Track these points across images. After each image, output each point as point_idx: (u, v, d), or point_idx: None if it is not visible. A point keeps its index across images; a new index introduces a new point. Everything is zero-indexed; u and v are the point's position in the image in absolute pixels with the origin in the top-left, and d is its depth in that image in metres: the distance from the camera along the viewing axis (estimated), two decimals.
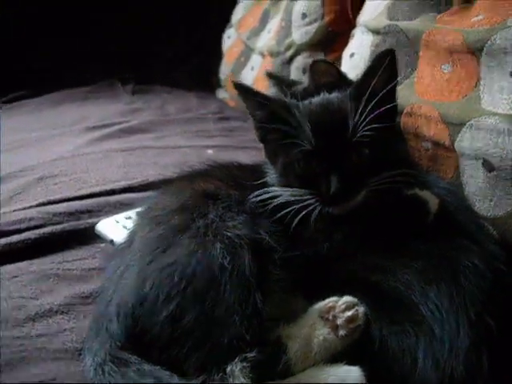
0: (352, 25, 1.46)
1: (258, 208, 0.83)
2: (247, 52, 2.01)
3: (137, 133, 1.66)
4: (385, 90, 0.81)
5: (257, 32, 1.99)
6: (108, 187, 1.24)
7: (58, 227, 1.06)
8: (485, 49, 0.92)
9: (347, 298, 0.76)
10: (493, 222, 0.86)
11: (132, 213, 1.10)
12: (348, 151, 0.80)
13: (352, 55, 1.29)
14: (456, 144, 0.93)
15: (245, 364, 0.68)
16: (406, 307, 0.74)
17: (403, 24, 1.11)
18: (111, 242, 1.04)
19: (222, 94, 2.31)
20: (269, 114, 0.85)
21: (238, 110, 2.10)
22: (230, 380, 0.68)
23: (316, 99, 0.89)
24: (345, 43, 1.47)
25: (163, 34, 2.32)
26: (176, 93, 2.27)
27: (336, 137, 0.81)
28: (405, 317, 0.73)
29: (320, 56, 1.55)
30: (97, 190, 1.22)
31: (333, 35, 1.53)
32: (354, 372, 0.70)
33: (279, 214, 0.81)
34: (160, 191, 0.94)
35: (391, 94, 0.85)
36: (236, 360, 0.69)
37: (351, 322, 0.74)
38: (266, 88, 1.38)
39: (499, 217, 0.85)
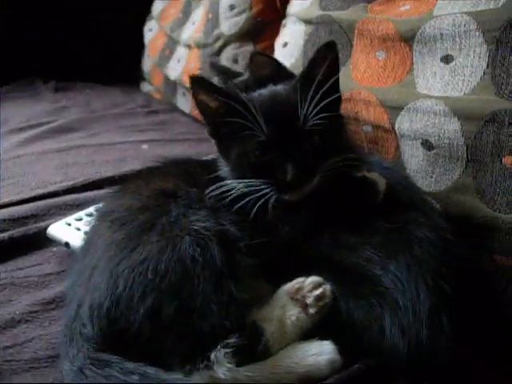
0: (280, 15, 1.50)
1: (216, 202, 0.85)
2: (172, 44, 2.00)
3: (68, 132, 1.62)
4: (331, 81, 0.85)
5: (180, 24, 1.98)
6: (50, 189, 1.21)
7: (5, 235, 1.02)
8: (416, 37, 0.99)
9: (313, 278, 0.81)
10: (435, 197, 0.93)
11: (83, 214, 1.09)
12: (300, 140, 0.84)
13: (285, 44, 1.33)
14: (396, 126, 1.00)
15: (227, 350, 0.71)
16: (369, 281, 0.79)
17: (336, 14, 1.16)
18: (66, 244, 1.01)
19: (146, 87, 2.29)
20: (225, 107, 0.86)
21: (164, 102, 2.09)
22: (215, 367, 0.70)
23: (265, 91, 0.92)
24: (274, 33, 1.52)
25: (82, 28, 2.25)
26: (99, 88, 2.23)
27: (288, 126, 0.84)
28: (369, 290, 0.78)
29: (249, 46, 1.59)
30: (39, 192, 1.19)
31: (261, 25, 1.56)
32: (326, 346, 0.76)
33: (237, 205, 0.84)
34: (116, 191, 0.93)
35: (336, 84, 0.89)
36: (218, 347, 0.71)
37: (320, 300, 0.79)
38: None
39: (441, 191, 0.92)
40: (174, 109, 2.01)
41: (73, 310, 0.78)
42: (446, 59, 0.94)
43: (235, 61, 1.62)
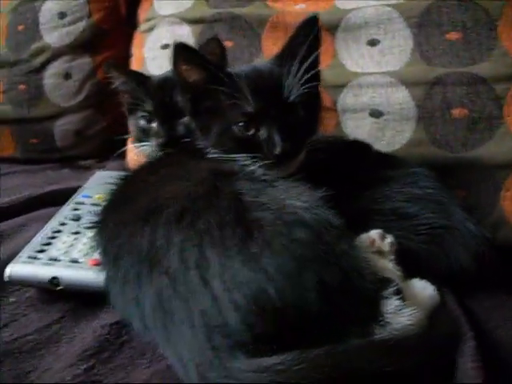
0: (123, 21, 1.43)
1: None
2: None
3: None
4: (314, 55, 0.88)
5: None
6: None
7: None
8: (340, 26, 1.14)
9: (374, 231, 0.86)
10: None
11: (50, 231, 0.84)
12: (286, 113, 0.84)
13: (166, 46, 1.28)
14: (338, 104, 1.12)
15: (393, 299, 0.70)
16: (411, 219, 0.89)
17: (238, 10, 1.21)
18: (52, 280, 0.76)
19: None
20: (208, 78, 0.83)
21: None
22: (391, 319, 0.68)
23: (247, 66, 0.93)
24: (116, 42, 1.45)
25: None
26: None
27: (274, 98, 0.84)
28: (416, 226, 0.88)
29: (85, 58, 1.44)
30: None
31: (102, 33, 1.44)
32: (427, 283, 0.82)
33: None
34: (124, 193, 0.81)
35: (317, 59, 0.92)
36: (383, 300, 0.69)
37: (393, 246, 0.85)
38: None
39: (396, 150, 1.08)
40: None
41: (200, 333, 0.62)
42: (372, 43, 1.13)
43: (67, 76, 1.44)
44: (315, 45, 0.89)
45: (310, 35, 0.87)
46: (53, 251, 0.81)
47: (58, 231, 0.89)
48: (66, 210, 0.98)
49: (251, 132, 0.83)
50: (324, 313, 0.63)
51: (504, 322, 0.81)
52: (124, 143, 1.26)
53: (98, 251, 0.76)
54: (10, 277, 0.77)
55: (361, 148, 1.01)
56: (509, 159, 1.02)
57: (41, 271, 0.78)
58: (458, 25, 1.07)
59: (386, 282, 0.72)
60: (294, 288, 0.63)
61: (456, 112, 1.05)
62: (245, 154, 0.81)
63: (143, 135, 1.09)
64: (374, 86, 1.10)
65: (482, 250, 0.87)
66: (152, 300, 0.66)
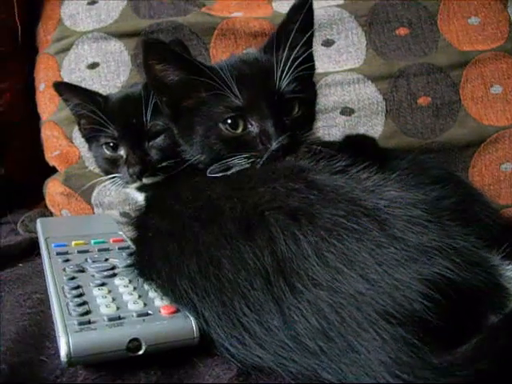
0: (19, 46, 1.20)
1: None
2: None
3: None
4: (305, 38, 0.79)
5: None
6: None
7: None
8: None
9: None
10: None
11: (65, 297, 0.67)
12: (279, 103, 0.75)
13: (96, 65, 1.11)
14: None
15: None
16: None
17: (183, 19, 1.11)
18: (129, 345, 0.58)
19: None
20: (188, 75, 0.75)
21: None
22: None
23: (230, 58, 0.86)
24: (12, 69, 1.21)
25: None
26: None
27: (263, 89, 0.75)
28: None
29: None
30: None
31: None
32: None
33: None
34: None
35: (309, 42, 0.82)
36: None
37: None
38: None
39: None
40: None
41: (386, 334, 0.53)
42: (327, 43, 1.13)
43: None
44: (307, 28, 0.80)
45: (300, 19, 0.78)
46: (103, 310, 0.62)
47: (77, 287, 0.69)
48: (54, 266, 0.76)
49: (240, 129, 0.74)
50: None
51: None
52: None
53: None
54: (71, 355, 0.56)
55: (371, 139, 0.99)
56: (471, 139, 1.11)
57: (112, 336, 0.58)
58: (404, 21, 1.14)
59: None
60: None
61: (421, 101, 1.11)
62: (237, 155, 0.72)
63: (110, 166, 0.92)
64: (342, 84, 1.10)
65: None
66: (311, 323, 0.54)
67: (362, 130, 1.11)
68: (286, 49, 0.75)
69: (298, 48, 0.75)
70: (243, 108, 0.73)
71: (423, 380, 0.50)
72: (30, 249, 0.95)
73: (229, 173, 0.72)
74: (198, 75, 0.73)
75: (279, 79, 0.74)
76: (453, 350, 0.53)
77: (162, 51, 0.74)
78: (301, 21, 0.77)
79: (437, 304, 0.54)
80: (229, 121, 0.74)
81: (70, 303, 0.65)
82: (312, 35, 0.82)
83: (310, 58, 0.81)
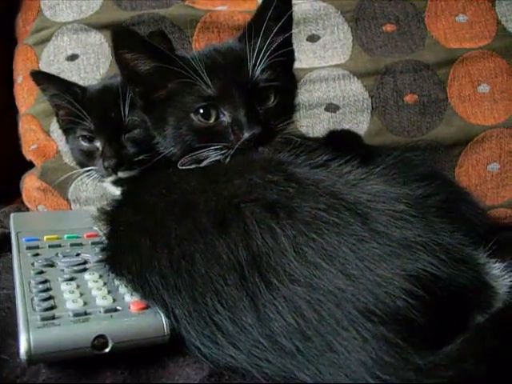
0: None
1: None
2: None
3: None
4: (279, 24, 0.75)
5: None
6: None
7: None
8: None
9: None
10: None
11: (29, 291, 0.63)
12: (252, 93, 0.73)
13: (75, 57, 1.08)
14: None
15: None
16: None
17: (165, 11, 1.08)
18: (95, 342, 0.55)
19: None
20: (160, 64, 0.73)
21: None
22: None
23: (204, 48, 0.83)
24: None
25: None
26: None
27: (236, 77, 0.73)
28: None
29: None
30: None
31: None
32: None
33: None
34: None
35: (285, 28, 0.77)
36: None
37: None
38: None
39: None
40: None
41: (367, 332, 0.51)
42: (312, 38, 1.11)
43: None
44: (281, 15, 0.75)
45: (273, 6, 0.74)
46: (69, 305, 0.59)
47: (44, 282, 0.65)
48: (23, 261, 0.73)
49: (212, 119, 0.72)
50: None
51: None
52: None
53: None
54: (31, 352, 0.53)
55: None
56: (458, 138, 1.09)
57: (77, 332, 0.55)
58: (391, 17, 1.12)
59: None
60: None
61: (407, 98, 1.09)
62: (209, 147, 0.70)
63: (86, 158, 0.89)
64: (327, 80, 1.08)
65: None
66: (288, 321, 0.52)
67: (346, 127, 1.08)
68: (260, 37, 0.73)
69: (272, 35, 0.73)
70: (215, 97, 0.72)
71: (406, 381, 0.48)
72: (3, 244, 0.92)
73: (202, 165, 0.70)
74: (168, 64, 0.71)
75: (252, 67, 0.72)
76: (437, 350, 0.50)
77: (131, 40, 0.72)
78: (274, 7, 0.74)
79: (421, 301, 0.52)
80: (200, 110, 0.72)
81: (35, 298, 0.62)
82: (289, 22, 0.79)
83: (286, 45, 0.77)
